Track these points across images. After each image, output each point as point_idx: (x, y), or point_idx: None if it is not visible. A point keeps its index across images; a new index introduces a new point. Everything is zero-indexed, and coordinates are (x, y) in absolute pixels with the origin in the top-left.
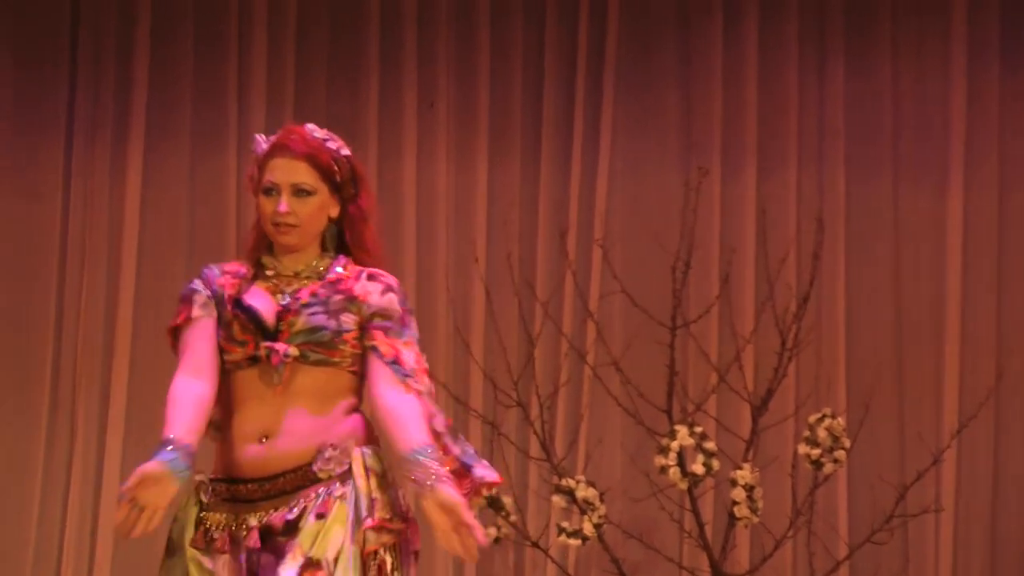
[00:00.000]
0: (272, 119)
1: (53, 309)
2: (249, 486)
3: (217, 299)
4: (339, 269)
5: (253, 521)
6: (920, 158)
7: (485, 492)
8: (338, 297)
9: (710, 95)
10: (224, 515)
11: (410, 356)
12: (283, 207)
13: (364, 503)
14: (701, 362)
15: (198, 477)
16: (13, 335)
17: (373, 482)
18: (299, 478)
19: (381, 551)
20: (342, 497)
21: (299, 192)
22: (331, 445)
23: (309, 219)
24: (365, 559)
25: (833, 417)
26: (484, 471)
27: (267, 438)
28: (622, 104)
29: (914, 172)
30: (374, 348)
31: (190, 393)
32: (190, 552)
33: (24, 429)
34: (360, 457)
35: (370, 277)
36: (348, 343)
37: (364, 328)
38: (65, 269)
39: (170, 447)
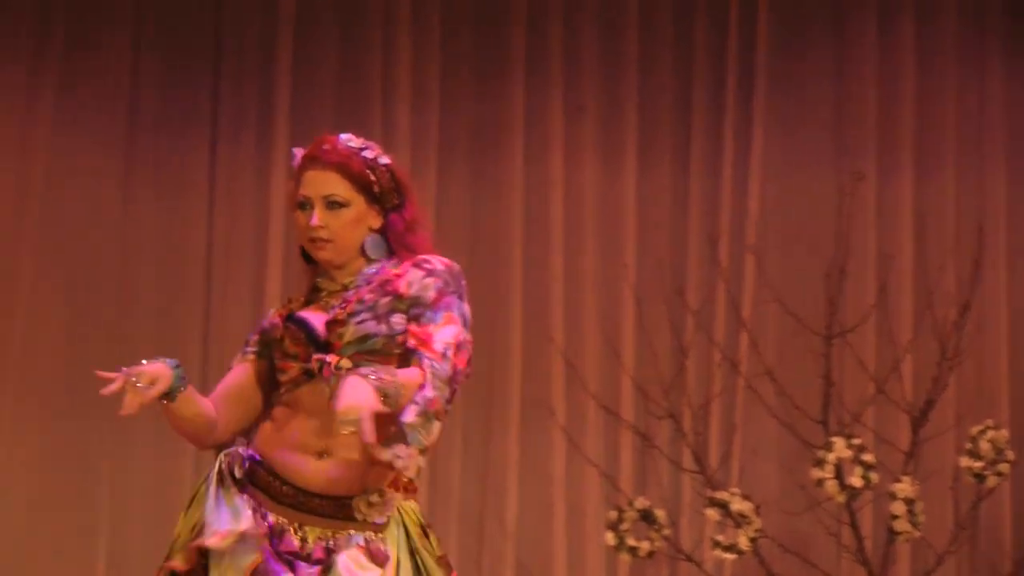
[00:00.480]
0: (417, 121)
1: (201, 306)
2: (284, 487)
3: (264, 333)
4: (391, 276)
5: (271, 518)
6: None
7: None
8: (385, 300)
9: (864, 96)
10: (249, 497)
11: (447, 333)
12: (315, 220)
13: (410, 565)
14: (858, 372)
15: (236, 449)
16: (162, 332)
17: (433, 541)
18: (336, 508)
19: None
20: (382, 558)
21: (332, 204)
22: (377, 491)
23: (343, 232)
24: None
25: (996, 429)
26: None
27: (324, 455)
28: (774, 106)
29: None
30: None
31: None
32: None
33: (172, 445)
34: (409, 514)
35: (415, 265)
36: (403, 345)
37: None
38: (211, 268)
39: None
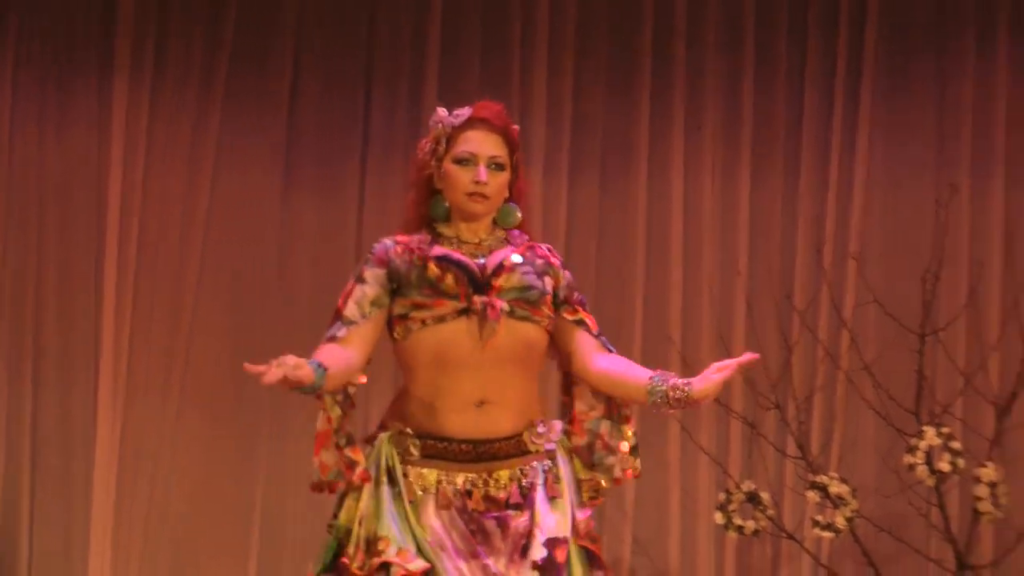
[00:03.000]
0: (551, 136)
1: None
2: (462, 446)
3: (396, 267)
4: (532, 245)
5: (460, 480)
6: None
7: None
8: (540, 262)
9: (960, 113)
10: (432, 471)
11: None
12: (483, 176)
13: (574, 486)
14: (948, 367)
15: (398, 427)
16: (318, 329)
17: (577, 464)
18: (511, 447)
19: (592, 530)
20: (561, 479)
21: (494, 165)
22: (541, 421)
23: (499, 191)
24: (583, 539)
25: None
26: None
27: (483, 404)
28: (877, 124)
29: None
30: (581, 322)
31: (339, 351)
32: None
33: None
34: (563, 438)
35: (550, 250)
36: (547, 305)
37: (561, 298)
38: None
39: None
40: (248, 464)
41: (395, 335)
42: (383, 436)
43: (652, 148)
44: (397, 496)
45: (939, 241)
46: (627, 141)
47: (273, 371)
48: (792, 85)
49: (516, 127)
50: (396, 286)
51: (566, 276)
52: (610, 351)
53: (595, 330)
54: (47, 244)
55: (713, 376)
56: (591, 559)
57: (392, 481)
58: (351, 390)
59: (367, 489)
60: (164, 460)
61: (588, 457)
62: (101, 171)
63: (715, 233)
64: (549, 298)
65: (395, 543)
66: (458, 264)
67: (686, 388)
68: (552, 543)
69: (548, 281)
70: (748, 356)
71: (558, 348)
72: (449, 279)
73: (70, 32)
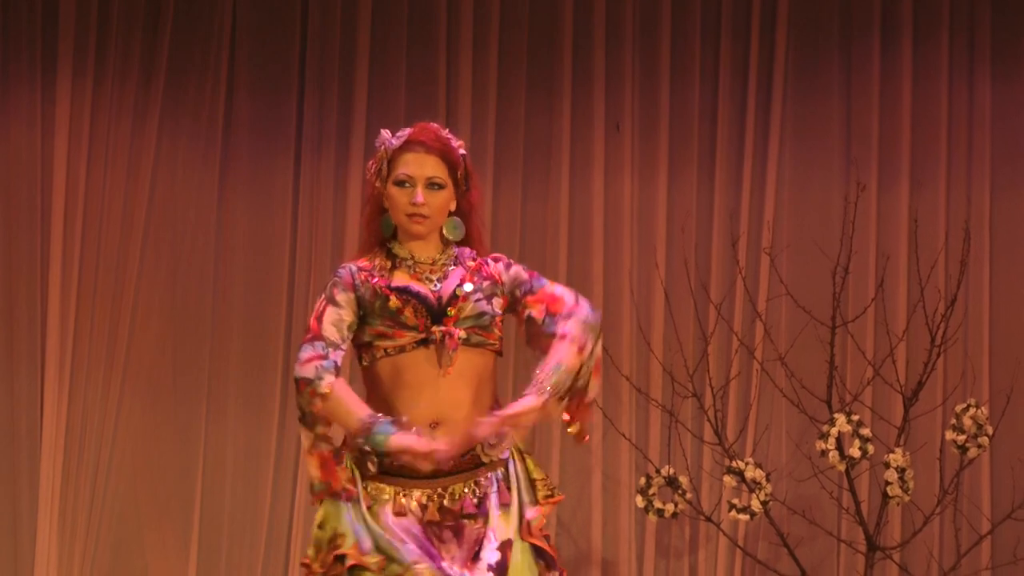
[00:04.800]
0: (476, 140)
1: (285, 297)
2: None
3: (362, 295)
4: (477, 265)
5: (416, 494)
6: None
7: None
8: (487, 283)
9: (868, 115)
10: (390, 486)
11: (557, 288)
12: (419, 198)
13: (525, 486)
14: (858, 357)
15: (359, 445)
16: (251, 320)
17: (530, 464)
18: (465, 462)
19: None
20: (512, 486)
21: (432, 185)
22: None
23: (439, 210)
24: (534, 537)
25: (977, 407)
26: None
27: (437, 426)
28: (788, 125)
29: None
30: (530, 317)
31: (346, 387)
32: (362, 506)
33: (260, 418)
34: (513, 445)
35: (494, 259)
36: (498, 327)
37: (512, 303)
38: (295, 272)
39: (381, 420)
40: (188, 448)
41: (362, 363)
42: (346, 455)
43: (573, 148)
44: (356, 503)
45: (848, 237)
46: (549, 141)
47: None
48: (706, 88)
49: (458, 145)
50: (363, 313)
51: (506, 273)
52: (553, 332)
53: (541, 316)
54: None
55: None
56: (544, 557)
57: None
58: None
59: (327, 500)
60: (107, 445)
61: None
62: (45, 168)
63: (634, 229)
64: (500, 319)
65: (352, 538)
66: (416, 296)
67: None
68: (504, 546)
69: (497, 302)
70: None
71: (529, 340)
72: (408, 312)
73: (15, 34)
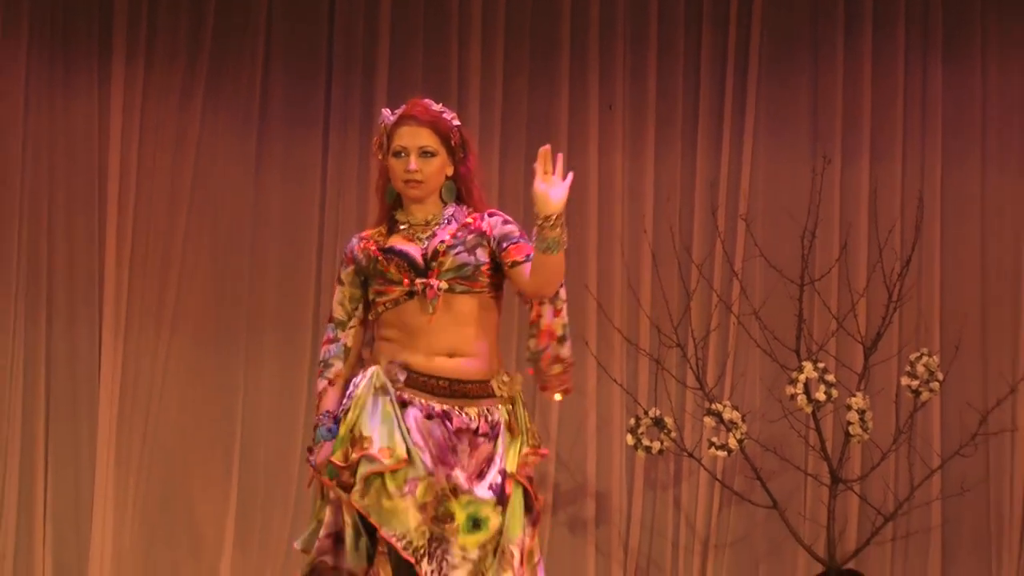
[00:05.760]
0: (485, 117)
1: (314, 263)
2: (440, 382)
3: (360, 263)
4: (468, 220)
5: (437, 406)
6: (1004, 147)
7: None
8: (471, 236)
9: (833, 96)
10: (415, 396)
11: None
12: (413, 165)
13: (523, 428)
14: (823, 312)
15: (389, 362)
16: (284, 282)
17: (526, 413)
18: (480, 389)
19: (528, 469)
20: (520, 422)
21: (424, 153)
22: (506, 372)
23: (432, 175)
24: (521, 476)
25: (929, 356)
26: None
27: (454, 355)
28: (762, 104)
29: (999, 158)
30: (513, 262)
31: (336, 387)
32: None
33: (292, 366)
34: (520, 389)
35: (490, 214)
36: (485, 274)
37: (498, 254)
38: (323, 235)
39: (322, 424)
40: (228, 393)
41: (370, 317)
42: (375, 367)
43: (571, 126)
44: (387, 403)
45: (815, 205)
46: (549, 119)
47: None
48: (689, 72)
49: (449, 117)
50: (364, 278)
51: (498, 227)
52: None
53: (522, 256)
54: (56, 205)
55: (541, 187)
56: (526, 497)
57: (384, 394)
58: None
59: (358, 405)
60: (156, 391)
61: (549, 352)
62: (101, 142)
63: (625, 197)
64: (487, 267)
65: (379, 442)
66: (399, 254)
67: (540, 221)
68: (504, 474)
69: (481, 253)
70: (544, 149)
71: (513, 286)
72: (392, 269)
73: (74, 21)
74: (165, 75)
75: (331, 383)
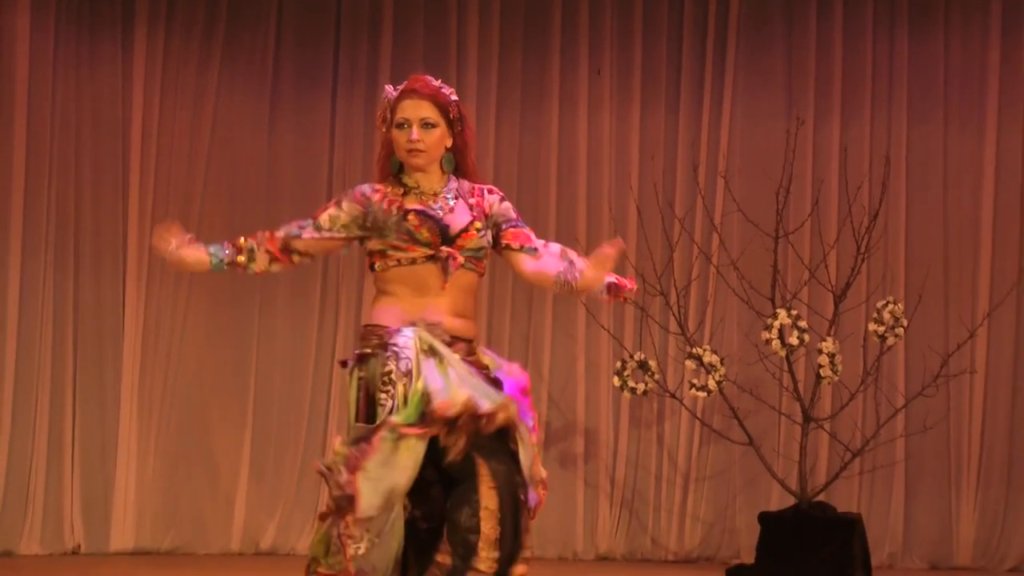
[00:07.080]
0: (482, 82)
1: None
2: (446, 337)
3: (375, 213)
4: (472, 200)
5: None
6: (964, 110)
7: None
8: (481, 221)
9: (806, 63)
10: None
11: (532, 234)
12: (415, 135)
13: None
14: (796, 263)
15: (420, 324)
16: (296, 216)
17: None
18: (470, 348)
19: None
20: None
21: (425, 125)
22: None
23: (433, 145)
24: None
25: (895, 303)
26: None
27: (457, 316)
28: (740, 69)
29: (960, 120)
30: (508, 246)
31: (270, 243)
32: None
33: (303, 316)
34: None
35: (489, 191)
36: (487, 257)
37: (497, 233)
38: (331, 192)
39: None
40: (243, 340)
41: (375, 267)
42: (413, 331)
43: (562, 89)
44: (440, 363)
45: (789, 163)
46: (541, 84)
47: (163, 248)
48: (672, 40)
49: (447, 92)
50: (369, 226)
51: (496, 206)
52: (534, 254)
53: (526, 244)
54: (83, 163)
55: (594, 270)
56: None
57: (433, 354)
58: (255, 266)
59: (420, 361)
60: (176, 338)
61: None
62: (125, 105)
63: (612, 156)
64: (489, 250)
65: (440, 395)
66: (432, 218)
67: (574, 282)
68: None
69: (487, 235)
70: (618, 243)
71: (509, 265)
72: (425, 231)
73: None
74: (184, 43)
75: (234, 245)
